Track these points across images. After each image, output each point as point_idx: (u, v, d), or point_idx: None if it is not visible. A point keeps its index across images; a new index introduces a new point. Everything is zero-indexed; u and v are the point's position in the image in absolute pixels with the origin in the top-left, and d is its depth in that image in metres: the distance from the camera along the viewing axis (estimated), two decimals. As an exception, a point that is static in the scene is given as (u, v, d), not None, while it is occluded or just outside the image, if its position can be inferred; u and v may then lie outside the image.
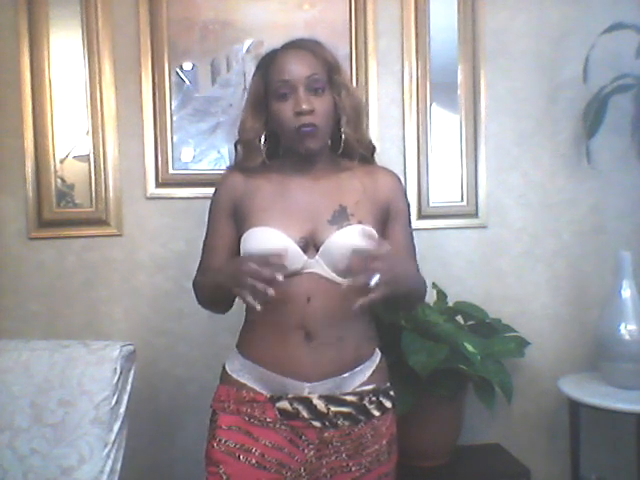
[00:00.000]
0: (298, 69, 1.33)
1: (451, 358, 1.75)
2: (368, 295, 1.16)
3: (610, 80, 2.05)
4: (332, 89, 1.37)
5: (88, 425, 1.49)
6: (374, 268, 1.16)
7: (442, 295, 2.02)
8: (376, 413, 1.35)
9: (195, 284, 1.47)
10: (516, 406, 2.12)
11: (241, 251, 1.34)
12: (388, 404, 1.38)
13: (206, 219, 1.46)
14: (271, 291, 1.15)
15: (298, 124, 1.32)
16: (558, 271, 2.23)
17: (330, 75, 1.37)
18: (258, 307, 1.17)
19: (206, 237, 1.46)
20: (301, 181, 1.38)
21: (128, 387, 1.58)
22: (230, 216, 1.42)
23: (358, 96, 1.45)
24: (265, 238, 1.30)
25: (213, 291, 1.37)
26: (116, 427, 1.52)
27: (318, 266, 1.30)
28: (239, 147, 1.45)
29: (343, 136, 1.39)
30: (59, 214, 1.97)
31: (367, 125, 1.48)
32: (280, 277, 1.16)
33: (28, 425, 1.49)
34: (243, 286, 1.18)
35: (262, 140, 1.40)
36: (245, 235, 1.34)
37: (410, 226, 1.48)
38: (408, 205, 1.48)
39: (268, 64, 1.38)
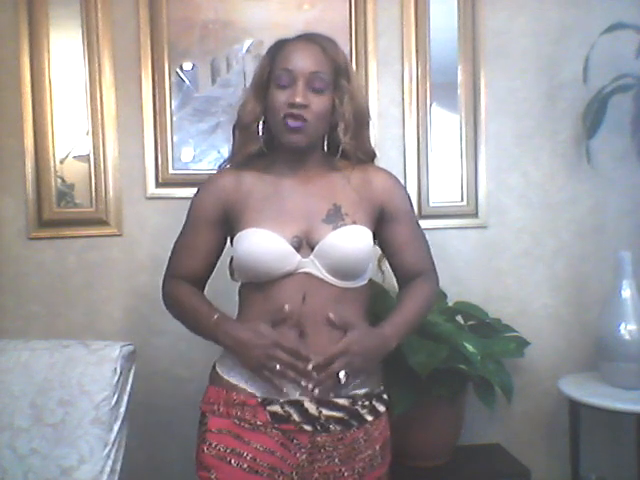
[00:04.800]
0: (304, 62, 1.31)
1: (451, 358, 1.75)
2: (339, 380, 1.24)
3: (610, 80, 2.05)
4: (335, 92, 1.34)
5: (88, 425, 1.49)
6: (337, 368, 1.23)
7: (442, 295, 2.02)
8: (369, 418, 1.33)
9: (168, 294, 1.43)
10: (516, 406, 2.12)
11: (234, 253, 1.32)
12: (381, 408, 1.36)
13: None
14: (304, 383, 1.23)
15: (287, 112, 1.29)
16: (558, 271, 2.23)
17: (336, 77, 1.34)
18: (285, 389, 1.26)
19: (182, 236, 1.42)
20: (294, 181, 1.36)
21: (128, 387, 1.58)
22: (215, 222, 1.38)
23: (362, 105, 1.40)
24: (257, 240, 1.28)
25: (195, 329, 1.39)
26: (116, 427, 1.52)
27: (312, 266, 1.29)
28: (237, 132, 1.41)
29: (341, 144, 1.36)
30: (59, 214, 1.97)
31: (369, 136, 1.43)
32: (310, 366, 1.23)
33: (28, 425, 1.49)
34: (269, 368, 1.23)
35: (260, 127, 1.38)
36: (237, 237, 1.32)
37: (417, 223, 1.46)
38: (410, 203, 1.45)
39: (277, 50, 1.36)
